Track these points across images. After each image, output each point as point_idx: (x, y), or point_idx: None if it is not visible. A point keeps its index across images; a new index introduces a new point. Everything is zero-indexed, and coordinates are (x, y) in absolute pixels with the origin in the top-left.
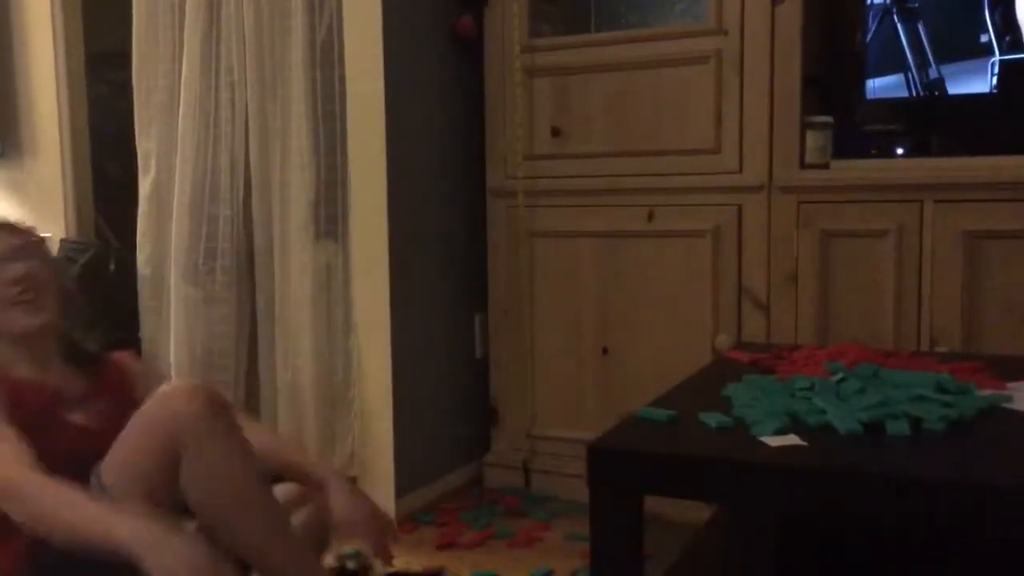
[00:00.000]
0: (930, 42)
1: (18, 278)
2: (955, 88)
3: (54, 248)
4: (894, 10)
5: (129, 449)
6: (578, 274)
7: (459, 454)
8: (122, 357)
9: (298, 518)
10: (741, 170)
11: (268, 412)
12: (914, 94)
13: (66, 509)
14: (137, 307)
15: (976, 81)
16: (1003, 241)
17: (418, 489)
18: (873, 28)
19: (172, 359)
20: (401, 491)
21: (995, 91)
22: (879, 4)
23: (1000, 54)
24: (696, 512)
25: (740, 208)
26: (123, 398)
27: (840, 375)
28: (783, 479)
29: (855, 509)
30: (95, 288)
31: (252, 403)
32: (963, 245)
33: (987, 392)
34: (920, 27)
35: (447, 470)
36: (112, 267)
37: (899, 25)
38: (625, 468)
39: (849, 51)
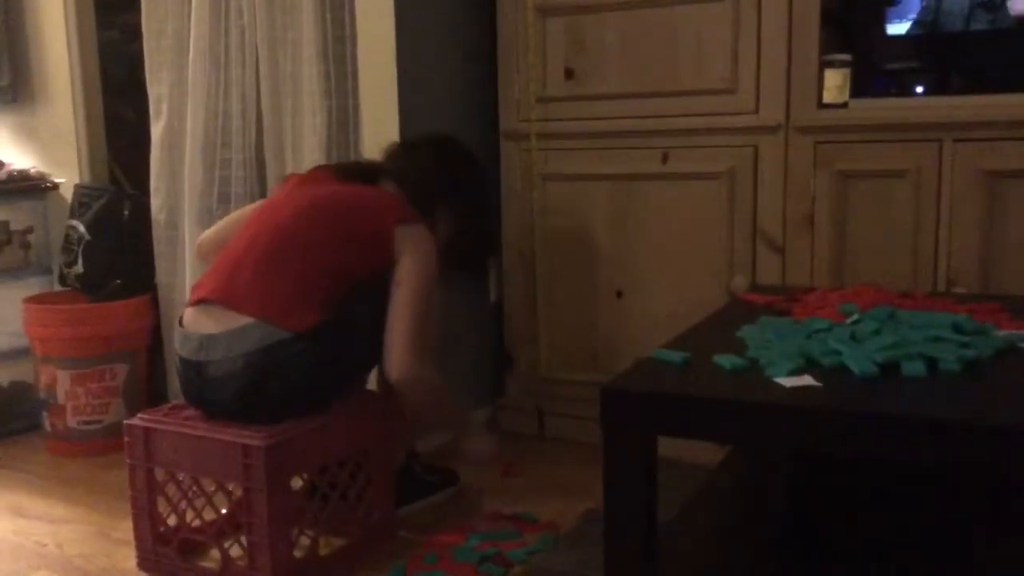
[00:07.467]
0: None
1: None
2: (978, 24)
3: (68, 194)
4: None
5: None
6: (592, 217)
7: (474, 398)
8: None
9: None
10: (758, 110)
11: None
12: (935, 31)
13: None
14: (152, 252)
15: (999, 16)
16: (1023, 181)
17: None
18: None
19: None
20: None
21: (1018, 26)
22: None
23: None
24: (709, 454)
25: (756, 149)
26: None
27: (855, 316)
28: (797, 420)
29: (869, 450)
30: (110, 234)
31: None
32: (982, 185)
33: (1005, 332)
34: None
35: None
36: (126, 212)
37: None
38: (639, 409)
39: None
